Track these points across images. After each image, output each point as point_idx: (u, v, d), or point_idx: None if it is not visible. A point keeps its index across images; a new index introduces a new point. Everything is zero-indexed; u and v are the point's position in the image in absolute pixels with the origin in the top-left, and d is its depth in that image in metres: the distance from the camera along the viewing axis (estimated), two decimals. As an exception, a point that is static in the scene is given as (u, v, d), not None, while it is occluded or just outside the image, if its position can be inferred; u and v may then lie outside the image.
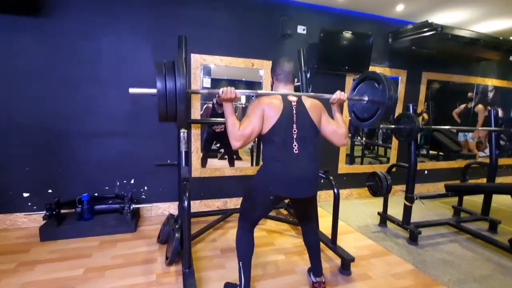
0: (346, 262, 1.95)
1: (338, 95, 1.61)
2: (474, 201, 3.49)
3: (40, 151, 2.46)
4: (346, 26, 3.24)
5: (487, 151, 5.12)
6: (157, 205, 2.88)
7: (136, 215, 2.67)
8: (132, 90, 1.29)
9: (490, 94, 4.94)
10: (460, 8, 3.09)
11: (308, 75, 2.49)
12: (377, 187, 2.61)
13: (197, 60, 2.81)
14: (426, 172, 4.17)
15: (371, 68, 3.46)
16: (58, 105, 2.47)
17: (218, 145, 3.56)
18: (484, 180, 3.34)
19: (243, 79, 3.32)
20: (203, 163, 3.07)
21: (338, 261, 2.09)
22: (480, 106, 4.76)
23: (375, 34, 3.22)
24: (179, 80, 1.22)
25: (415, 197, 2.51)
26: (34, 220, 2.49)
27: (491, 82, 4.39)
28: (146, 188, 2.84)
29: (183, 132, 2.14)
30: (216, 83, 3.27)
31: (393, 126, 2.51)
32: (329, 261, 2.13)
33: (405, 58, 3.66)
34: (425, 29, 3.09)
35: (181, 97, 1.23)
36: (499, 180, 4.55)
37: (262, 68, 3.07)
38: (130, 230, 2.47)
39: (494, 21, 3.37)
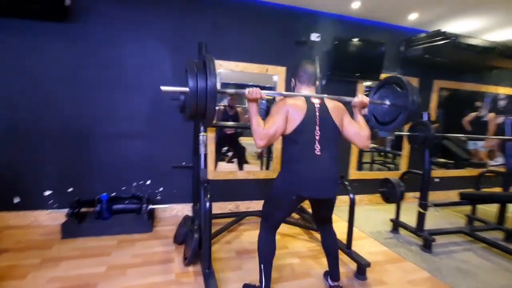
0: (362, 267, 1.97)
1: (360, 98, 1.62)
2: (487, 210, 3.46)
3: (62, 151, 2.55)
4: (359, 34, 3.29)
5: (497, 159, 5.09)
6: (171, 206, 2.93)
7: (152, 216, 2.72)
8: (164, 88, 1.32)
9: (502, 103, 4.92)
10: (474, 17, 3.11)
11: (324, 82, 2.53)
12: (390, 193, 2.63)
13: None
14: (436, 180, 4.15)
15: (383, 76, 3.49)
16: (83, 108, 2.56)
17: (226, 148, 3.63)
18: (497, 189, 3.31)
19: (258, 85, 3.38)
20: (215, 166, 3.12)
21: (352, 265, 2.10)
22: (491, 114, 4.73)
23: (387, 42, 3.27)
24: (210, 80, 1.26)
25: (429, 205, 2.52)
26: (54, 218, 2.56)
27: (503, 90, 4.38)
28: (161, 189, 2.89)
29: (202, 136, 2.20)
30: (230, 88, 3.34)
31: (408, 134, 2.53)
32: (344, 265, 2.14)
33: (417, 66, 3.69)
34: (439, 38, 3.12)
35: (211, 96, 1.27)
36: None
37: (276, 74, 3.13)
38: (146, 230, 2.52)
39: (509, 29, 3.39)
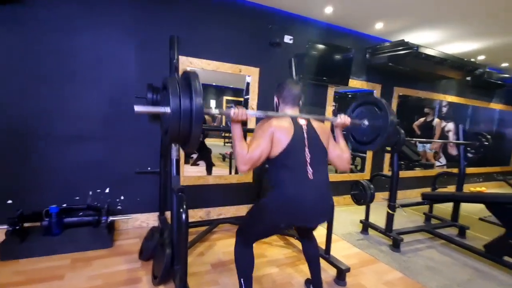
0: (343, 272, 1.96)
1: (342, 119, 1.61)
2: (441, 208, 3.77)
3: (-2, 156, 2.13)
4: (330, 39, 3.35)
5: (441, 160, 5.65)
6: (135, 216, 2.64)
7: (112, 229, 2.42)
8: (138, 109, 1.12)
9: (444, 109, 5.47)
10: (431, 30, 3.36)
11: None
12: (361, 195, 2.69)
13: (183, 62, 2.68)
14: (396, 180, 4.42)
15: (350, 81, 3.60)
16: (26, 104, 2.17)
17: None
18: (449, 188, 3.63)
19: (231, 86, 3.25)
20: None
21: (331, 270, 2.09)
22: (437, 120, 5.24)
23: (355, 49, 3.37)
24: (196, 100, 1.11)
25: (396, 206, 2.63)
26: (-12, 236, 2.12)
27: (450, 99, 4.84)
28: (122, 198, 2.59)
29: (174, 139, 2.00)
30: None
31: (379, 137, 2.61)
32: (322, 271, 2.11)
33: (381, 73, 3.89)
34: (401, 48, 3.32)
35: (198, 118, 1.12)
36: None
37: (250, 75, 3.03)
38: (106, 246, 2.22)
39: (458, 43, 3.74)
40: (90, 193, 2.46)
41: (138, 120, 2.54)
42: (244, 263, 1.52)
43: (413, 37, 3.59)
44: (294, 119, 1.45)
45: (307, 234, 1.73)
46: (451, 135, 5.44)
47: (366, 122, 1.77)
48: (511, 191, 4.03)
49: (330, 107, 3.63)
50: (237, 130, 1.33)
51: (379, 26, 3.36)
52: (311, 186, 1.38)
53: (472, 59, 4.13)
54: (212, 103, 3.94)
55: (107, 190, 2.53)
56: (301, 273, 2.06)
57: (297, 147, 1.39)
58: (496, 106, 5.52)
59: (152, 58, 2.52)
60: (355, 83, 3.75)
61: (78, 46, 2.28)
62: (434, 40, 3.68)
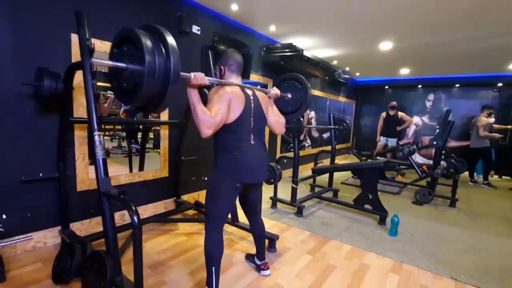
0: (274, 241, 2.32)
1: (275, 90, 1.81)
2: (319, 178, 4.85)
3: None
4: (233, 34, 3.57)
5: (308, 141, 7.11)
6: (27, 236, 2.07)
7: (-4, 259, 1.82)
8: (96, 61, 1.01)
9: (308, 101, 6.88)
10: (308, 37, 4.15)
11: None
12: (271, 176, 3.15)
13: (77, 43, 2.23)
14: (285, 160, 5.28)
15: (252, 76, 3.99)
16: None
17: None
18: (324, 161, 4.70)
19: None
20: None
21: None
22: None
23: (254, 47, 3.76)
24: (174, 56, 1.06)
25: (299, 181, 3.25)
26: None
27: (317, 93, 6.13)
28: (4, 216, 1.97)
29: (98, 135, 1.73)
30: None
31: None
32: (251, 244, 2.39)
33: (273, 69, 4.48)
34: (290, 50, 3.97)
35: (175, 77, 1.07)
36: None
37: (159, 64, 2.85)
38: (-5, 282, 1.68)
39: (322, 49, 4.77)
40: None
41: (19, 112, 1.97)
42: (216, 250, 1.57)
43: (296, 41, 4.32)
44: (242, 88, 1.56)
45: (253, 208, 1.91)
46: (313, 122, 6.88)
47: (289, 95, 2.13)
48: (357, 161, 5.63)
49: (235, 99, 3.89)
50: (195, 94, 1.36)
51: (272, 28, 3.85)
52: (252, 149, 1.58)
53: (331, 63, 5.37)
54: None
55: (-25, 211, 1.86)
56: (238, 251, 2.28)
57: (247, 116, 1.54)
58: (342, 99, 7.40)
59: (36, 34, 1.98)
60: (253, 77, 4.17)
61: None
62: (308, 45, 4.55)
